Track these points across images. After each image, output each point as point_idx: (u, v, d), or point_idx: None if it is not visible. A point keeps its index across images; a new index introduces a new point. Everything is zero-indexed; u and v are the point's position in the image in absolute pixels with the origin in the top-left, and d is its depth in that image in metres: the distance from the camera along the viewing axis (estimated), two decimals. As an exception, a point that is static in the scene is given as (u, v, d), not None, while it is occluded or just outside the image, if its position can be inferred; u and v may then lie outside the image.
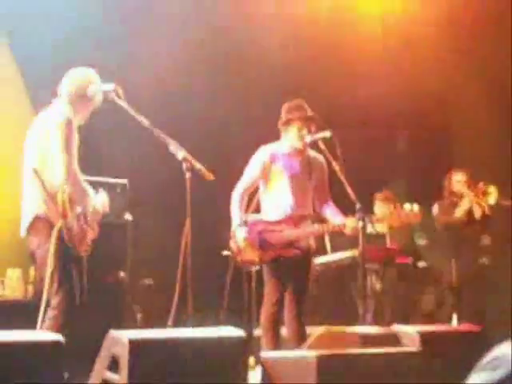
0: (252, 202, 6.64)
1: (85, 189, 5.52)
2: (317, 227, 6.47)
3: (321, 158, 6.55)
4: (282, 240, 6.39)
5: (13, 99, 8.24)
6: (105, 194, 5.83)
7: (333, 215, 6.47)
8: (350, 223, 6.25)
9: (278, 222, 6.43)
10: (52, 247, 5.26)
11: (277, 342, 6.26)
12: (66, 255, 5.34)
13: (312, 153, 6.55)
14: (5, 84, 8.27)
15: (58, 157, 5.33)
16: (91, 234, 5.58)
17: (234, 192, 6.45)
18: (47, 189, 5.34)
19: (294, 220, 6.42)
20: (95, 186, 5.78)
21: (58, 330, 5.04)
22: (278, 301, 6.30)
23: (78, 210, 5.41)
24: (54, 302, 5.31)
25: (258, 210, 6.62)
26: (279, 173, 6.46)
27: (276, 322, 6.32)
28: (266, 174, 6.48)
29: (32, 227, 5.41)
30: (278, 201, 6.46)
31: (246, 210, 6.54)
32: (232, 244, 6.48)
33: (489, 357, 1.93)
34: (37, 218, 5.38)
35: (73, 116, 5.49)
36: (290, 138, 6.43)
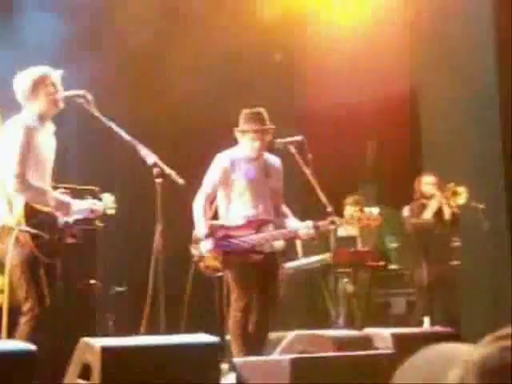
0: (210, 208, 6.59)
1: (46, 195, 5.44)
2: (276, 232, 6.47)
3: (277, 161, 6.58)
4: (243, 246, 6.36)
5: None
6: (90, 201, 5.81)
7: (286, 220, 6.49)
8: (305, 228, 6.30)
9: (239, 228, 6.40)
10: (15, 255, 5.27)
11: (246, 348, 6.23)
12: (34, 263, 5.33)
13: (268, 156, 6.56)
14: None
15: (8, 165, 5.33)
16: (64, 241, 5.55)
17: (195, 200, 6.40)
18: (7, 197, 5.35)
19: (255, 225, 6.40)
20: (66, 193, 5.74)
21: (28, 337, 5.06)
22: (246, 307, 6.27)
23: (39, 217, 5.35)
24: (24, 308, 5.31)
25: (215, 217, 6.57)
26: (238, 178, 6.44)
27: (244, 328, 6.29)
28: (225, 180, 6.45)
29: (0, 235, 5.40)
30: (237, 206, 6.45)
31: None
32: (194, 250, 6.45)
33: None
34: (2, 227, 5.38)
35: (35, 121, 5.46)
36: (245, 147, 6.44)
